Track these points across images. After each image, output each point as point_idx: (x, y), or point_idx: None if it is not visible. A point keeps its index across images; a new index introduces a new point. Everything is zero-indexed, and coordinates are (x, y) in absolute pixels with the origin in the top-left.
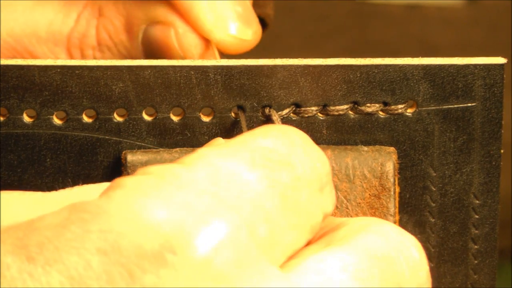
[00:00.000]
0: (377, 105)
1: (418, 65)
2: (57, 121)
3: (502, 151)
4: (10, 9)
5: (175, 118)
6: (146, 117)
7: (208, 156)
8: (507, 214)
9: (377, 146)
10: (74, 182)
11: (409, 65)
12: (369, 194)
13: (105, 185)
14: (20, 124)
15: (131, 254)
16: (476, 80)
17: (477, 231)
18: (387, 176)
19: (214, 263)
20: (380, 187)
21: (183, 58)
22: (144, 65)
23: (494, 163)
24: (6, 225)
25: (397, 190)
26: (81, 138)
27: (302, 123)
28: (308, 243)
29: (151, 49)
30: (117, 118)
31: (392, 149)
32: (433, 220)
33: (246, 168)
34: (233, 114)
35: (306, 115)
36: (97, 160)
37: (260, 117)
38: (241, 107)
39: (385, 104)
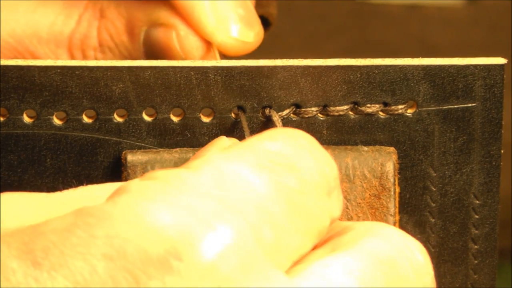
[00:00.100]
0: (377, 105)
1: (418, 65)
2: (57, 121)
3: (502, 151)
4: (12, 9)
5: (175, 119)
6: (146, 118)
7: (214, 160)
8: (507, 214)
9: (377, 146)
10: (75, 183)
11: (409, 66)
12: (369, 194)
13: (108, 185)
14: (20, 124)
15: (136, 260)
16: (476, 81)
17: (477, 231)
18: (387, 176)
19: (220, 268)
20: (380, 187)
21: (184, 60)
22: (144, 66)
23: (494, 163)
24: (12, 228)
25: (397, 190)
26: (81, 139)
27: (302, 124)
28: (315, 247)
29: (153, 51)
30: (117, 118)
31: (392, 149)
32: (433, 220)
33: (253, 172)
34: (233, 115)
35: (306, 116)
36: (97, 161)
37: (260, 118)
38: (241, 108)
39: (385, 104)
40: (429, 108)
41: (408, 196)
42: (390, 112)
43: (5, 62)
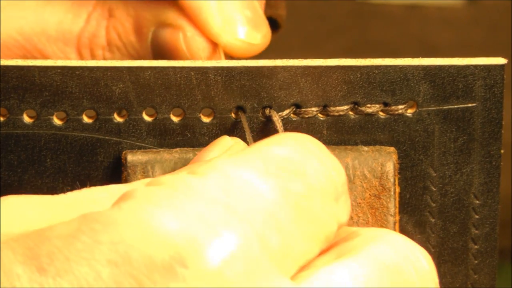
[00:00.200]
0: (377, 105)
1: (418, 65)
2: (57, 121)
3: (502, 151)
4: (21, 7)
5: (175, 119)
6: (146, 118)
7: (221, 166)
8: (507, 214)
9: (377, 146)
10: (75, 183)
11: (409, 66)
12: (369, 194)
13: (113, 187)
14: (20, 124)
15: (141, 266)
16: (476, 81)
17: (477, 231)
18: (387, 176)
19: (225, 275)
20: (380, 187)
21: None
22: (144, 66)
23: (494, 163)
24: (17, 232)
25: (397, 190)
26: (81, 139)
27: (302, 124)
28: (322, 251)
29: (160, 51)
30: (117, 118)
31: (392, 149)
32: (433, 220)
33: (259, 178)
34: (233, 115)
35: (307, 116)
36: (97, 161)
37: (261, 118)
38: (241, 108)
39: (386, 104)
40: (429, 108)
41: (408, 196)
42: (390, 112)
43: (5, 62)
